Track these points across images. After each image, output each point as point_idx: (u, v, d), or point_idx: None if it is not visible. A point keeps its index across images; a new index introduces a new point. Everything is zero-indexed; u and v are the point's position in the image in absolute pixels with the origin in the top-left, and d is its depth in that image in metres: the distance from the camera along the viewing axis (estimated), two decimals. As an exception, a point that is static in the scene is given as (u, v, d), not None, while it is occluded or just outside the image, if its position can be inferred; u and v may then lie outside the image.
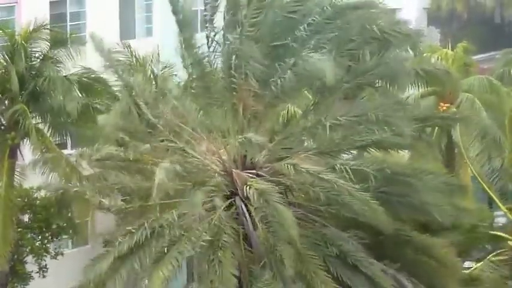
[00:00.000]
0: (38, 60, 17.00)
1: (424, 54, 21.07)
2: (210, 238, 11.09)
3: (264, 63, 11.72)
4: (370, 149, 12.52)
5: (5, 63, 16.52)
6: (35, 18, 17.42)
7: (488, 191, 16.58)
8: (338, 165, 11.23)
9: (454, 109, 21.05)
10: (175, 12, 12.45)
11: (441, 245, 13.00)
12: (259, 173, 11.70)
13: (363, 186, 10.81)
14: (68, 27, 21.32)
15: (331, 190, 10.75)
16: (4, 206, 15.94)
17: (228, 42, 12.28)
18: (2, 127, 17.09)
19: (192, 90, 13.38)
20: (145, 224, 11.33)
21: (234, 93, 12.04)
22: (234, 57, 12.04)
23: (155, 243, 11.38)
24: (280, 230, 10.70)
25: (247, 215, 11.68)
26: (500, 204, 16.15)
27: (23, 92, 16.15)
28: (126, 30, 23.66)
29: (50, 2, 21.06)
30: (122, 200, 13.69)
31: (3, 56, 16.72)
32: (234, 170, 11.77)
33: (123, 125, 12.53)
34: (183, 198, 11.82)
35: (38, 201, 17.68)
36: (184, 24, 12.44)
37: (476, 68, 27.43)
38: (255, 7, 12.11)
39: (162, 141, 12.23)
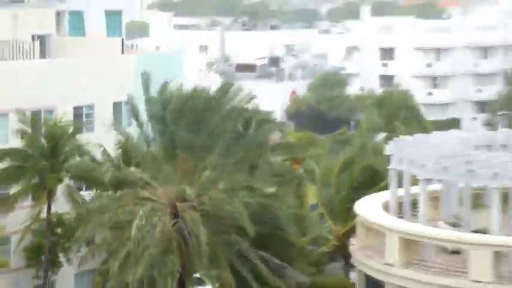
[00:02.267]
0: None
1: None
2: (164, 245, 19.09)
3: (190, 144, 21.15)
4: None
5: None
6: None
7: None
8: (239, 198, 19.86)
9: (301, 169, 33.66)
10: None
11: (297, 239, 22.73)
12: (192, 204, 19.76)
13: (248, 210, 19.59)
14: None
15: (230, 212, 19.32)
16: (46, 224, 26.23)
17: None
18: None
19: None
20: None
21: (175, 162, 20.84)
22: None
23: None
24: (200, 238, 18.66)
25: (185, 229, 19.56)
26: (329, 220, 28.74)
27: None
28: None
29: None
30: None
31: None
32: (177, 203, 19.70)
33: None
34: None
35: (66, 221, 27.07)
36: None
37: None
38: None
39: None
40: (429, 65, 74.38)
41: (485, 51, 76.18)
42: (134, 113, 23.88)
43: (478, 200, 25.56)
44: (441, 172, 22.46)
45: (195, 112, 22.62)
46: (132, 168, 21.83)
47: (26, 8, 33.63)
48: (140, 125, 23.57)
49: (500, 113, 66.49)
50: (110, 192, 22.33)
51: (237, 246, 20.75)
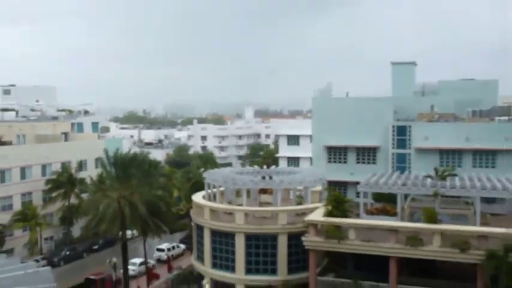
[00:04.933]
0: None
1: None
2: (113, 214, 47.67)
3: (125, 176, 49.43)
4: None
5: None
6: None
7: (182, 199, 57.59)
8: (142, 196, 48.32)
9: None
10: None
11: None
12: (125, 197, 47.95)
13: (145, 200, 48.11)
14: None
15: (137, 201, 47.85)
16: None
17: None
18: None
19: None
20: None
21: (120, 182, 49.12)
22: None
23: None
24: (125, 212, 47.57)
25: (122, 207, 47.70)
26: (184, 202, 55.95)
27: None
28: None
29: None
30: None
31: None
32: (120, 197, 47.70)
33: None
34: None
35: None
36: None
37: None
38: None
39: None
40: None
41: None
42: (103, 164, 51.90)
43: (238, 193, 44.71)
44: (222, 182, 44.03)
45: (126, 162, 50.78)
46: (105, 185, 49.72)
47: (60, 120, 67.02)
48: (106, 168, 50.18)
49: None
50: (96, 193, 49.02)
51: (143, 216, 48.34)
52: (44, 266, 53.71)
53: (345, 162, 52.13)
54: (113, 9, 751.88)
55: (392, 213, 37.35)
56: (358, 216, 37.98)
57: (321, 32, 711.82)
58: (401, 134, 49.96)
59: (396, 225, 34.26)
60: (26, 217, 60.74)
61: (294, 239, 38.08)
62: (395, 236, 33.24)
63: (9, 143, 66.71)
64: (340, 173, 51.31)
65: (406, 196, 40.22)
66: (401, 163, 49.60)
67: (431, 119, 51.88)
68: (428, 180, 38.74)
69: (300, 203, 43.95)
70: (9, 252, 56.12)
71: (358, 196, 41.17)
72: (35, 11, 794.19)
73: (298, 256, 38.60)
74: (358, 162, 51.63)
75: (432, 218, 33.94)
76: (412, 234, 32.94)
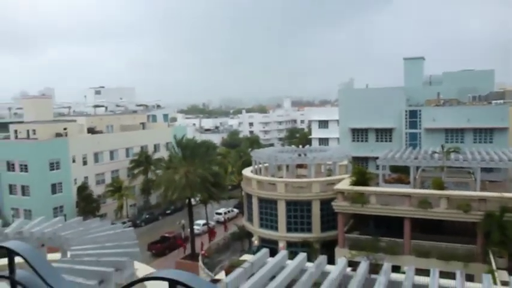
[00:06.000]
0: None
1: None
2: (182, 184, 48.60)
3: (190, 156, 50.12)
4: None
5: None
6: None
7: (234, 173, 57.24)
8: (203, 171, 49.03)
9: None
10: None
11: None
12: (190, 172, 48.99)
13: (207, 174, 48.91)
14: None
15: (200, 173, 48.60)
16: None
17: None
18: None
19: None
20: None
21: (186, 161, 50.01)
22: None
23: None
24: (195, 181, 48.33)
25: (189, 179, 48.79)
26: (236, 175, 55.65)
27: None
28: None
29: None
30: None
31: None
32: (187, 172, 48.69)
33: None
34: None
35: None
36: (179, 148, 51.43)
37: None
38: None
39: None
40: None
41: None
42: (172, 146, 52.81)
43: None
44: (266, 159, 44.47)
45: (190, 145, 51.63)
46: (174, 163, 50.69)
47: (139, 113, 68.02)
48: (175, 150, 51.49)
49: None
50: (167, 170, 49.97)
51: (205, 186, 49.29)
52: (129, 226, 55.47)
53: (366, 141, 51.21)
54: (173, 22, 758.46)
55: (406, 182, 36.53)
56: (377, 185, 37.29)
57: (341, 37, 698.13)
58: (413, 117, 48.63)
59: (409, 191, 33.53)
60: (115, 189, 62.63)
61: (325, 204, 37.76)
62: (408, 200, 32.53)
63: (101, 132, 68.70)
64: (362, 150, 50.51)
65: (417, 168, 39.18)
66: (413, 141, 48.34)
67: (438, 104, 50.32)
68: (436, 155, 37.57)
69: (329, 175, 43.48)
70: (103, 216, 58.09)
71: (377, 168, 40.44)
72: (116, 29, 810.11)
73: (329, 217, 38.25)
74: (377, 141, 50.61)
75: (439, 185, 33.10)
76: (422, 199, 32.17)
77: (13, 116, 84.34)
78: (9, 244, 1.53)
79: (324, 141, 73.22)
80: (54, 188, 56.86)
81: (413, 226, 33.18)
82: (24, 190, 56.51)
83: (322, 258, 13.69)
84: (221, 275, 14.88)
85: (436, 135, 46.83)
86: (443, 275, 13.57)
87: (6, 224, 19.55)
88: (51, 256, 18.17)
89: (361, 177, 35.83)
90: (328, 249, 34.74)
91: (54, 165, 57.03)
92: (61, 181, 57.55)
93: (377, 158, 39.43)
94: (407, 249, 32.66)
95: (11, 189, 57.59)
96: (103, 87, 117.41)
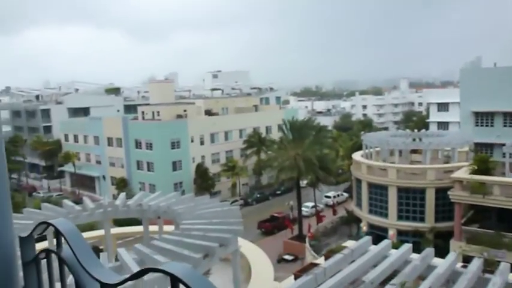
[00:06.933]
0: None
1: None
2: (291, 166, 49.14)
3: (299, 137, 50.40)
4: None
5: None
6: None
7: (344, 157, 55.92)
8: (312, 153, 49.04)
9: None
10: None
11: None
12: (299, 155, 49.31)
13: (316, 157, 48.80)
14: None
15: (309, 156, 48.67)
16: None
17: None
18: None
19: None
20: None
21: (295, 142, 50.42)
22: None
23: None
24: (300, 164, 48.55)
25: (298, 161, 49.25)
26: (345, 160, 54.47)
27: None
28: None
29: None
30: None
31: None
32: (295, 154, 49.17)
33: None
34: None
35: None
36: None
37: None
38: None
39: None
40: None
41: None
42: (283, 128, 53.44)
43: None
44: (378, 143, 43.10)
45: (301, 127, 51.82)
46: (285, 144, 51.69)
47: (252, 96, 70.22)
48: (285, 132, 52.43)
49: None
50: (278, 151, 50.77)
51: (314, 168, 49.32)
52: (241, 204, 57.90)
53: (492, 125, 46.46)
54: (288, 6, 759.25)
55: (538, 173, 32.52)
56: (503, 174, 33.80)
57: (469, 14, 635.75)
58: (550, 99, 42.92)
59: (542, 184, 29.77)
60: (229, 168, 65.60)
61: (441, 192, 35.34)
62: (540, 193, 28.93)
63: (216, 114, 72.17)
64: (487, 135, 45.96)
65: (553, 157, 34.63)
66: (549, 126, 42.76)
67: None
68: None
69: (447, 162, 40.54)
70: (218, 193, 61.39)
71: (504, 156, 36.61)
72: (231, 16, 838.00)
73: (444, 207, 35.78)
74: (504, 126, 45.67)
75: None
76: (558, 193, 28.34)
77: (141, 99, 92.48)
78: (54, 221, 1.65)
79: (443, 125, 68.19)
80: (175, 165, 61.43)
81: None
82: (149, 166, 61.98)
83: (429, 251, 12.89)
84: (320, 260, 14.83)
85: None
86: None
87: (130, 197, 21.66)
88: (166, 228, 19.78)
89: (483, 165, 32.77)
90: (442, 240, 32.63)
91: (175, 144, 61.52)
92: (181, 159, 61.91)
93: (503, 144, 35.69)
94: (537, 247, 29.26)
95: (138, 165, 63.56)
96: (220, 71, 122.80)
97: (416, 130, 50.13)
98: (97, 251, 18.61)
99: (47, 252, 1.88)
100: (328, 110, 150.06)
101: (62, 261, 1.74)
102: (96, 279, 1.38)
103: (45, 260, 1.91)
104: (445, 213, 35.72)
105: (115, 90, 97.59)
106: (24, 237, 1.94)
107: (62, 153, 73.77)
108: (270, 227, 51.67)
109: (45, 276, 1.92)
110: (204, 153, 65.01)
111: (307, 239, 42.12)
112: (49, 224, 1.73)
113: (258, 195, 66.27)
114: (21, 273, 1.89)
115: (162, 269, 1.14)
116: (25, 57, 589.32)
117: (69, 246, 1.57)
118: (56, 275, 1.85)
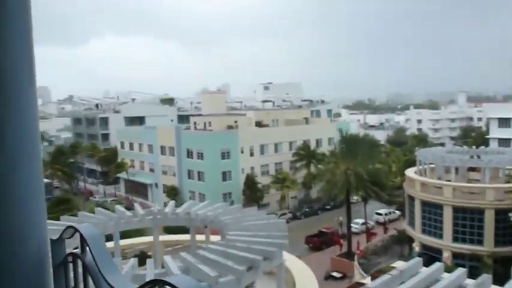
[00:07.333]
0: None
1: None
2: (342, 181, 48.24)
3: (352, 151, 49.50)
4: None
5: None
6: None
7: (396, 173, 53.98)
8: (364, 168, 48.02)
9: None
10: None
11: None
12: (350, 170, 48.29)
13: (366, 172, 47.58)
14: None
15: (361, 171, 47.53)
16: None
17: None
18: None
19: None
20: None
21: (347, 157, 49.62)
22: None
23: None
24: (351, 179, 47.49)
25: (348, 177, 48.28)
26: (398, 177, 52.70)
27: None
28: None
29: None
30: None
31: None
32: (347, 170, 48.24)
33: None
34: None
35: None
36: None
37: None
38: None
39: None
40: None
41: None
42: (334, 142, 52.77)
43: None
44: (432, 160, 42.03)
45: (353, 141, 50.81)
46: (336, 158, 50.53)
47: (303, 108, 70.97)
48: (337, 145, 51.71)
49: None
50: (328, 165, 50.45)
51: (365, 184, 48.11)
52: (289, 218, 57.39)
53: (560, 145, 43.42)
54: (344, 15, 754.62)
55: None
56: None
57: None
58: None
59: None
60: (279, 180, 65.41)
61: (502, 214, 33.39)
62: None
63: (267, 126, 72.48)
64: (554, 155, 42.94)
65: None
66: None
67: None
68: None
69: (509, 181, 38.27)
70: (266, 205, 61.32)
71: None
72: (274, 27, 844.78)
73: (505, 231, 33.71)
74: None
75: None
76: None
77: (194, 109, 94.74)
78: (79, 226, 1.65)
79: (504, 142, 64.57)
80: (225, 176, 62.11)
81: None
82: (200, 175, 63.07)
83: (487, 277, 12.10)
84: (367, 280, 14.31)
85: None
86: None
87: (180, 205, 22.06)
88: (213, 237, 19.92)
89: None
90: (502, 266, 30.66)
91: (225, 155, 62.29)
92: (230, 169, 62.54)
93: None
94: None
95: (189, 174, 64.84)
96: (271, 83, 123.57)
97: (474, 147, 47.92)
98: (144, 257, 19.05)
99: (73, 256, 1.89)
100: (381, 124, 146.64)
101: (84, 265, 1.73)
102: (111, 286, 1.36)
103: (71, 263, 1.91)
104: (506, 236, 33.66)
105: (169, 101, 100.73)
106: (54, 240, 1.95)
107: (117, 162, 76.72)
108: (318, 242, 50.82)
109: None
110: (253, 164, 65.29)
111: (356, 257, 41.03)
112: (76, 229, 1.73)
113: (307, 209, 65.48)
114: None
115: (170, 282, 1.10)
116: (87, 67, 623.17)
117: (90, 251, 1.55)
118: (79, 278, 1.85)
